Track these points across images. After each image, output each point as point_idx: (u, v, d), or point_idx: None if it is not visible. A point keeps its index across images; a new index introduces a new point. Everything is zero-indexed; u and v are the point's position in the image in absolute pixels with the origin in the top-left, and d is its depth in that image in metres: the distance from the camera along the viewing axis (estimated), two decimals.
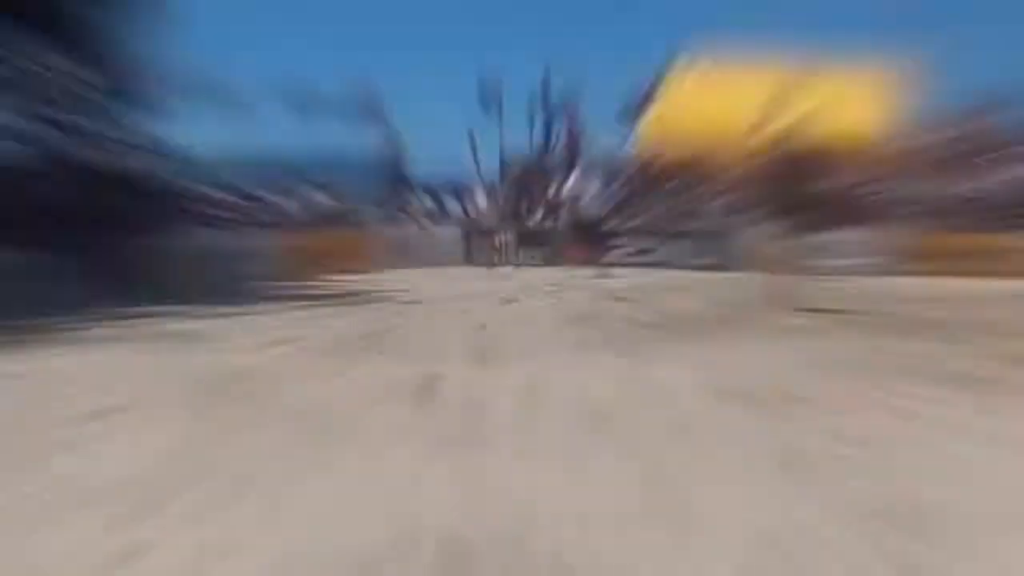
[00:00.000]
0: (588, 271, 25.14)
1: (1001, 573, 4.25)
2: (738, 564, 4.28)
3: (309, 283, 22.53)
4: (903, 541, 4.52)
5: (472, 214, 31.47)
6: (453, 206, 35.86)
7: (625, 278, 23.62)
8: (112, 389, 8.24)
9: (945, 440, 6.37)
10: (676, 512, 4.90)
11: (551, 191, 33.03)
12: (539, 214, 31.91)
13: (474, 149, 42.60)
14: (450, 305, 16.57)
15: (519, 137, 39.58)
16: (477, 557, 4.33)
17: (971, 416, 7.10)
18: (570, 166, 33.56)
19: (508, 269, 27.29)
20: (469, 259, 30.00)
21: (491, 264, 28.31)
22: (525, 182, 35.01)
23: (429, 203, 34.00)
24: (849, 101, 37.84)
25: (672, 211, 32.01)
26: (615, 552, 4.41)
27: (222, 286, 19.88)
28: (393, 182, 36.79)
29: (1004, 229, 28.96)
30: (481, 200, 30.13)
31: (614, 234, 28.87)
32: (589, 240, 26.43)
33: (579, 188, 26.49)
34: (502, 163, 37.20)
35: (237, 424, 6.92)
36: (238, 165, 33.06)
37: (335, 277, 24.24)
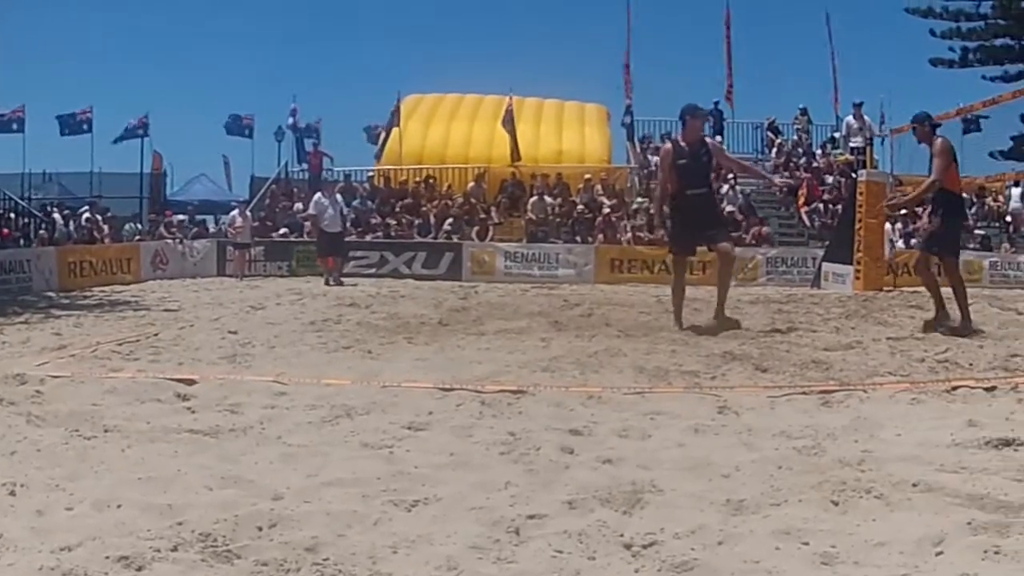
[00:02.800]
0: (333, 281, 25.40)
1: None
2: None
3: (74, 294, 22.16)
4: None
5: (225, 229, 31.51)
6: (208, 221, 36.00)
7: (362, 287, 23.95)
8: None
9: (648, 426, 6.88)
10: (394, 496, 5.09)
11: (299, 207, 33.29)
12: (286, 229, 32.13)
13: (227, 168, 42.77)
14: (203, 312, 16.57)
15: (269, 157, 39.89)
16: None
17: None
18: (315, 185, 33.86)
19: (257, 280, 27.40)
20: (223, 271, 30.05)
21: (242, 275, 28.45)
22: (274, 199, 35.23)
23: (186, 219, 33.94)
24: (569, 128, 38.92)
25: (405, 226, 32.59)
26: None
27: None
28: (152, 199, 36.72)
29: None
30: (234, 216, 30.20)
31: (356, 246, 29.25)
32: (330, 252, 26.75)
33: (318, 206, 26.74)
34: (252, 181, 37.44)
35: None
36: (3, 180, 32.62)
37: (99, 289, 23.81)
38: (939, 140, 13.63)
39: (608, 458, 5.93)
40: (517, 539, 4.43)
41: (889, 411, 7.59)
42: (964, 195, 13.65)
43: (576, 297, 16.60)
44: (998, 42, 48.31)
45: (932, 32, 48.79)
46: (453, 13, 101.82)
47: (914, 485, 5.24)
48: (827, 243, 29.65)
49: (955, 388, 8.55)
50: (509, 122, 35.58)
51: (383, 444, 6.27)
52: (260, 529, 4.51)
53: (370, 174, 38.40)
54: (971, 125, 36.21)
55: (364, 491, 5.14)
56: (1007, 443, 6.25)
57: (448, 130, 38.71)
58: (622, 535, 4.47)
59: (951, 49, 49.07)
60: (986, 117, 31.52)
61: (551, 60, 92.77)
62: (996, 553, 4.18)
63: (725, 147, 38.43)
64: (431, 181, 36.00)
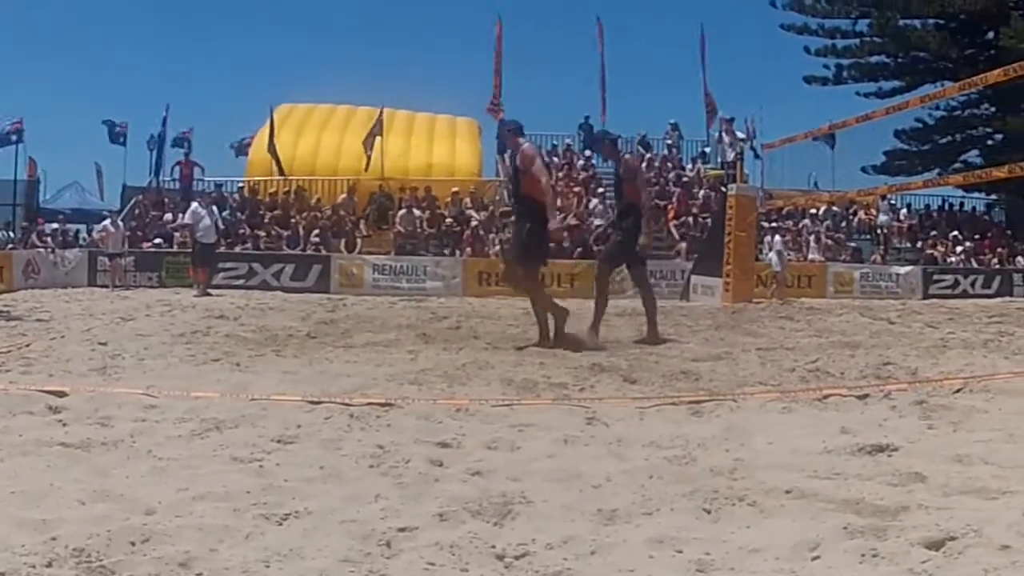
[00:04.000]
0: (200, 292, 25.20)
1: None
2: None
3: None
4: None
5: (97, 238, 31.08)
6: (80, 231, 35.45)
7: (231, 299, 23.75)
8: None
9: (517, 438, 6.87)
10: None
11: (168, 218, 32.97)
12: (157, 239, 31.77)
13: (99, 176, 42.15)
14: (74, 323, 16.25)
15: (141, 168, 39.40)
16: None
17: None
18: (186, 195, 33.57)
19: (129, 291, 27.05)
20: (94, 281, 29.55)
21: (114, 285, 28.07)
22: (145, 209, 34.81)
23: (58, 228, 33.37)
24: (441, 142, 39.04)
25: (274, 238, 32.42)
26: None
27: None
28: (26, 207, 36.10)
29: (581, 256, 30.36)
30: (105, 225, 29.80)
31: (225, 258, 29.03)
32: (203, 264, 26.53)
33: (194, 216, 26.52)
34: (124, 190, 36.97)
35: None
36: None
37: None
38: (627, 156, 13.98)
39: (477, 470, 5.90)
40: (389, 552, 4.38)
41: (760, 420, 7.67)
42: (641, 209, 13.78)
43: (444, 310, 16.61)
44: (873, 59, 48.98)
45: (807, 49, 49.34)
46: (328, 24, 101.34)
47: (787, 492, 5.28)
48: (696, 256, 29.99)
49: (827, 396, 8.71)
50: (371, 136, 35.63)
51: (253, 458, 6.18)
52: (133, 544, 4.40)
53: (240, 185, 38.14)
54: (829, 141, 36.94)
55: (235, 505, 5.05)
56: (880, 449, 6.35)
57: (319, 141, 38.62)
58: (494, 546, 4.44)
59: (825, 66, 49.69)
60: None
61: (425, 73, 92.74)
62: (874, 556, 4.24)
63: (595, 163, 39.05)
64: (303, 193, 35.97)
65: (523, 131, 14.13)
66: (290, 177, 36.92)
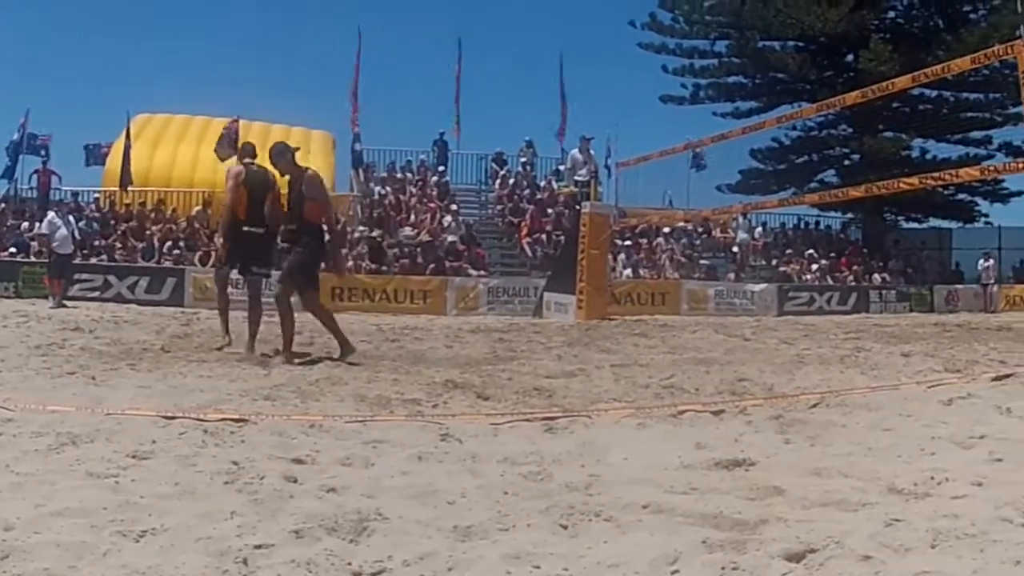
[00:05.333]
0: (55, 303, 24.81)
1: None
2: None
3: None
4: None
5: None
6: None
7: (86, 311, 23.39)
8: None
9: (371, 454, 6.82)
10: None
11: (25, 226, 32.37)
12: (13, 248, 31.20)
13: None
14: None
15: None
16: None
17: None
18: (43, 204, 32.99)
19: None
20: None
21: None
22: (2, 217, 34.12)
23: None
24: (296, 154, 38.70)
25: (130, 250, 32.01)
26: None
27: None
28: None
29: (434, 272, 30.49)
30: None
31: (80, 269, 28.60)
32: (58, 274, 26.10)
33: (51, 225, 26.09)
34: None
35: None
36: None
37: None
38: (311, 172, 14.28)
39: (332, 487, 5.87)
40: (246, 569, 4.34)
41: (615, 436, 7.72)
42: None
43: (296, 325, 16.57)
44: (731, 79, 49.57)
45: (664, 68, 49.79)
46: (185, 33, 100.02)
47: (644, 507, 5.32)
48: (549, 273, 30.14)
49: (682, 412, 8.82)
50: (224, 146, 35.22)
51: (109, 473, 6.07)
52: None
53: (96, 195, 37.61)
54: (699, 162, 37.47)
55: (92, 521, 4.96)
56: (738, 464, 6.45)
57: (176, 152, 38.17)
58: (350, 563, 4.42)
59: (683, 86, 50.12)
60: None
61: (282, 85, 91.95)
62: (734, 569, 4.29)
63: (449, 180, 39.30)
64: (161, 205, 35.59)
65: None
66: (139, 188, 36.58)
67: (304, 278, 13.87)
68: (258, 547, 4.59)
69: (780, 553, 4.47)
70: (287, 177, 13.80)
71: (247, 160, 14.59)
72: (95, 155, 40.26)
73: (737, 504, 5.40)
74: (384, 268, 31.64)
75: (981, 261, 38.51)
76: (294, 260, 13.80)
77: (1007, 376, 11.62)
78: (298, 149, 14.68)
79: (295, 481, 6.03)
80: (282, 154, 13.83)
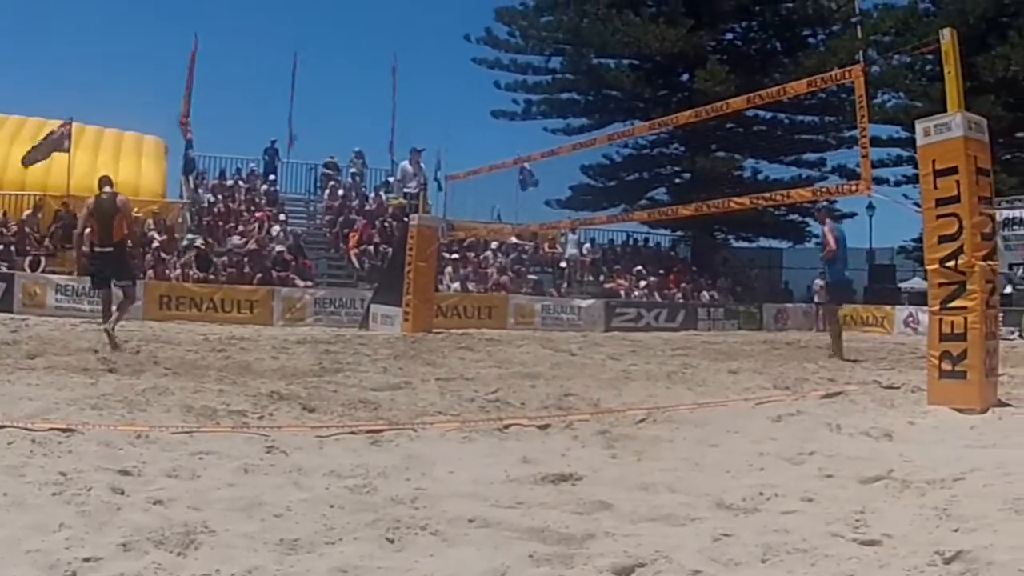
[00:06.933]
0: None
1: None
2: None
3: None
4: None
5: None
6: None
7: None
8: None
9: (197, 466, 6.69)
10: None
11: None
12: None
13: None
14: None
15: None
16: None
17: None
18: None
19: None
20: None
21: None
22: None
23: None
24: (127, 159, 38.15)
25: None
26: None
27: None
28: None
29: (261, 282, 30.26)
30: None
31: None
32: None
33: None
34: None
35: None
36: None
37: None
38: (120, 196, 16.68)
39: (159, 499, 5.73)
40: None
41: (440, 449, 7.71)
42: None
43: (124, 333, 16.20)
44: (564, 96, 50.03)
45: (497, 84, 50.03)
46: (18, 33, 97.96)
47: (471, 521, 5.30)
48: (376, 285, 30.10)
49: (507, 427, 8.81)
50: (42, 150, 34.63)
51: None
52: None
53: None
54: (527, 180, 37.78)
55: None
56: (564, 478, 6.43)
57: (8, 154, 37.18)
58: None
59: (515, 101, 50.45)
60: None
61: (117, 89, 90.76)
62: None
63: (278, 189, 39.21)
64: None
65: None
66: None
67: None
68: (87, 560, 4.48)
69: (608, 567, 4.47)
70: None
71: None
72: None
73: (564, 518, 5.39)
74: (211, 277, 31.21)
75: (818, 280, 39.34)
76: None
77: (836, 393, 11.87)
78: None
79: (122, 493, 5.87)
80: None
